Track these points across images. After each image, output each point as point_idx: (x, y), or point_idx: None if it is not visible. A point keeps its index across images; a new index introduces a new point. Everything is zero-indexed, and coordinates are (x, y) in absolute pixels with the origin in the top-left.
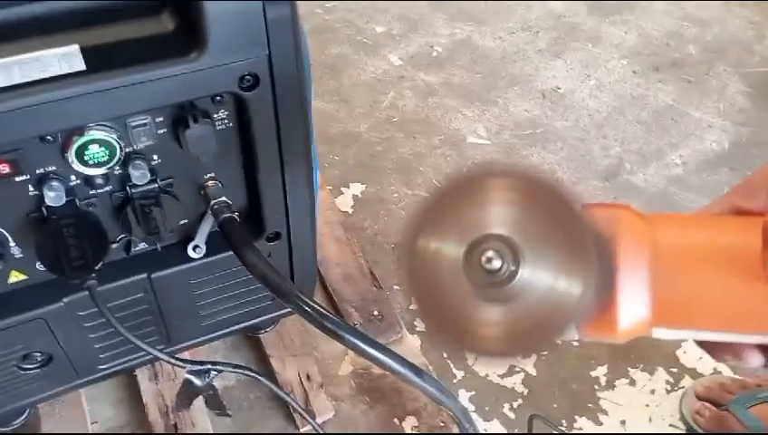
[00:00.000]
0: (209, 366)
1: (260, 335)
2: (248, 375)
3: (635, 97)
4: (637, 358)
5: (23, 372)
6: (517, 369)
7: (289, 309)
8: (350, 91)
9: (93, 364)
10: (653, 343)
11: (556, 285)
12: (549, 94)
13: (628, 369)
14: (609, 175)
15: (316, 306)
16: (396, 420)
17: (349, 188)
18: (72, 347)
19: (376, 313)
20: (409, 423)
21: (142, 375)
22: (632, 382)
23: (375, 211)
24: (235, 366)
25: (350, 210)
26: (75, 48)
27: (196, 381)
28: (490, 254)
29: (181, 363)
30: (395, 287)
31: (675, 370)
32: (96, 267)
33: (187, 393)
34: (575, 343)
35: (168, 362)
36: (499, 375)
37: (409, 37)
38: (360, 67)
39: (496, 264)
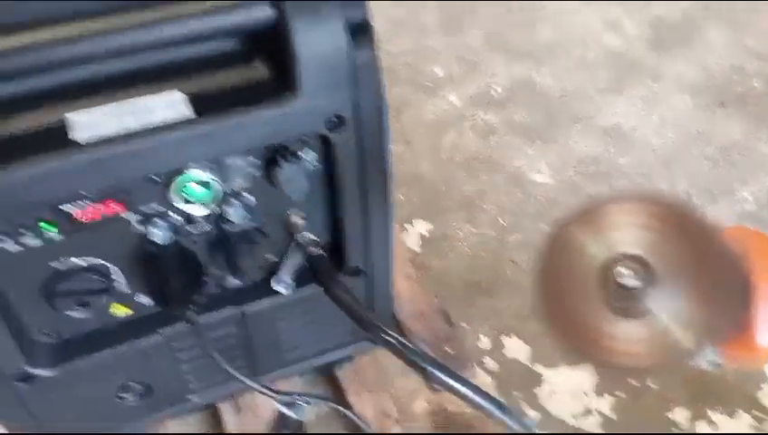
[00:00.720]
0: (299, 398)
1: (336, 372)
2: (335, 408)
3: (700, 132)
4: (716, 400)
5: (120, 402)
6: (593, 410)
7: (365, 346)
8: (412, 132)
9: (184, 394)
10: (734, 385)
11: (688, 305)
12: (611, 131)
13: (708, 411)
14: None
15: (400, 339)
16: None
17: (413, 226)
18: (166, 377)
19: (448, 349)
20: None
21: (225, 409)
22: (712, 424)
23: (440, 249)
24: (325, 399)
25: (418, 249)
26: (180, 95)
27: (290, 414)
28: (626, 271)
29: (273, 394)
30: (462, 325)
31: (757, 413)
32: (197, 301)
33: (279, 427)
34: (653, 386)
35: (263, 392)
36: (574, 416)
37: (468, 78)
38: (421, 108)
39: (631, 281)
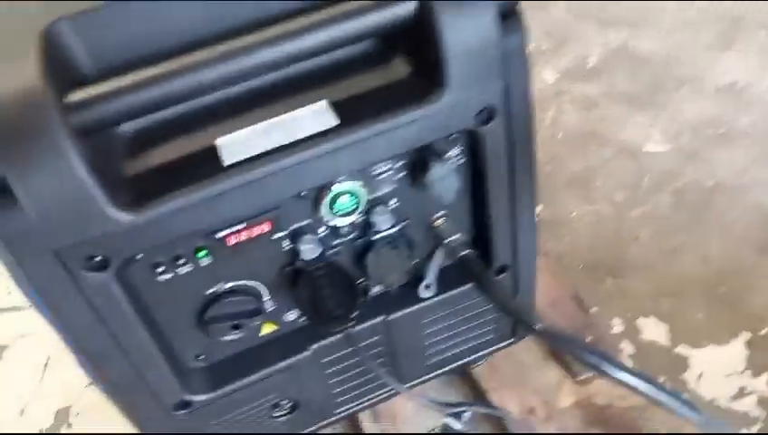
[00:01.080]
0: (464, 408)
1: (471, 372)
2: (487, 412)
3: None
4: None
5: (273, 420)
6: (749, 390)
7: (505, 343)
8: None
9: (331, 408)
10: None
11: None
12: (725, 90)
13: None
14: None
15: (565, 333)
16: None
17: None
18: (314, 393)
19: (589, 338)
20: None
21: (364, 416)
22: None
23: (557, 233)
24: (482, 405)
25: None
26: (325, 104)
27: (456, 425)
28: None
29: (439, 406)
30: (592, 310)
31: None
32: (353, 315)
33: None
34: None
35: (428, 405)
36: (728, 398)
37: (560, 51)
38: None
39: None
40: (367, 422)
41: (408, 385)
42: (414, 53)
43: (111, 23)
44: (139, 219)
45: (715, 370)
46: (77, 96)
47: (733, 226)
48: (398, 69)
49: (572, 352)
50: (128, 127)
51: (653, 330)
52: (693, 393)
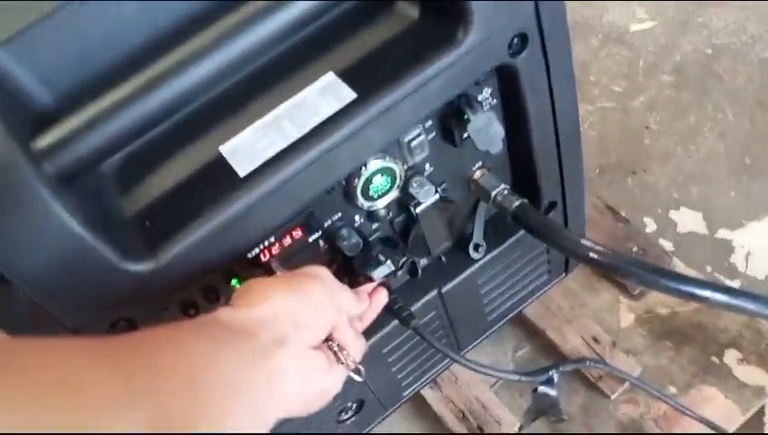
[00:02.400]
0: (552, 372)
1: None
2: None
3: None
4: None
5: (340, 425)
6: None
7: (558, 279)
8: None
9: (398, 393)
10: None
11: None
12: None
13: None
14: None
15: (620, 257)
16: (714, 358)
17: None
18: (379, 385)
19: (635, 249)
20: (732, 356)
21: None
22: None
23: None
24: (576, 361)
25: None
26: (333, 77)
27: (550, 392)
28: None
29: (530, 378)
30: (621, 214)
31: None
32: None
33: (540, 407)
34: None
35: (517, 380)
36: None
37: None
38: None
39: None
40: (428, 393)
41: (470, 347)
42: None
43: (55, 38)
44: (157, 266)
45: (762, 247)
46: (45, 140)
47: (742, 91)
48: (405, 13)
49: (629, 274)
50: (112, 159)
51: (688, 220)
52: (745, 277)
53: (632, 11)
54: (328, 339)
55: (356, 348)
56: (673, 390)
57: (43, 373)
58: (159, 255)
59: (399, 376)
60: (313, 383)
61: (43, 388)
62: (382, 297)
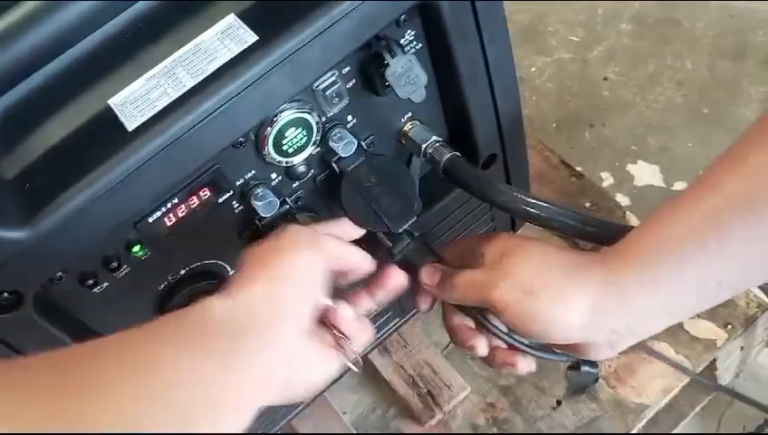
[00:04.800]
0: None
1: None
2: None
3: None
4: None
5: None
6: None
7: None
8: None
9: None
10: None
11: None
12: None
13: None
14: None
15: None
16: None
17: None
18: None
19: (588, 204)
20: None
21: (371, 353)
22: None
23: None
24: None
25: None
26: (233, 18)
27: (591, 369)
28: None
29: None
30: (578, 169)
31: None
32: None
33: (581, 383)
34: None
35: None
36: None
37: None
38: None
39: None
40: (377, 359)
41: (413, 312)
42: None
43: None
44: (39, 232)
45: None
46: None
47: (701, 38)
48: None
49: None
50: None
51: (645, 173)
52: None
53: None
54: (331, 324)
55: (361, 338)
56: None
57: None
58: (39, 220)
59: None
60: (304, 374)
61: None
62: (396, 275)
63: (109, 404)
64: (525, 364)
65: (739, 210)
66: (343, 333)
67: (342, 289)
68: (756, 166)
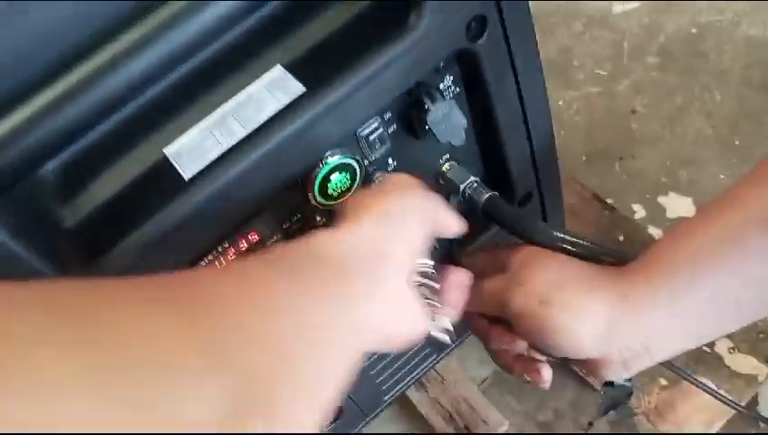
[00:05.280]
0: None
1: None
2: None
3: None
4: None
5: None
6: None
7: None
8: None
9: (378, 399)
10: None
11: None
12: None
13: None
14: None
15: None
16: (705, 348)
17: None
18: (357, 391)
19: (621, 237)
20: (724, 345)
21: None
22: None
23: None
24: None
25: None
26: (280, 70)
27: (626, 383)
28: None
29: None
30: (609, 202)
31: None
32: None
33: (616, 398)
34: None
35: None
36: None
37: None
38: None
39: None
40: (414, 395)
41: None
42: None
43: None
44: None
45: None
46: None
47: (729, 70)
48: (354, 0)
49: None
50: (51, 165)
51: (677, 205)
52: None
53: None
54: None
55: (453, 309)
56: (664, 382)
57: (101, 329)
58: (98, 266)
59: (378, 380)
60: (402, 324)
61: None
62: (463, 276)
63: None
64: (548, 374)
65: (756, 227)
66: (436, 299)
67: None
68: None
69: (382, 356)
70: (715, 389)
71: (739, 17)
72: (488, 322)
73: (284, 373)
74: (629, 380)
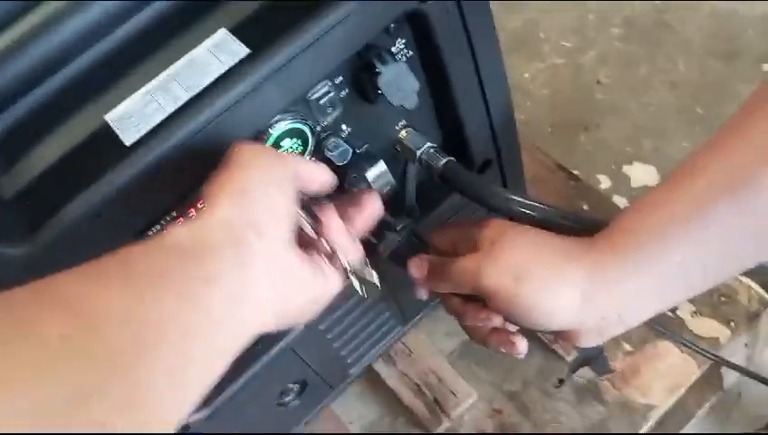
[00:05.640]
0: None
1: None
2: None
3: None
4: None
5: (283, 408)
6: None
7: None
8: None
9: (344, 372)
10: None
11: None
12: None
13: None
14: None
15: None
16: (668, 312)
17: None
18: (322, 364)
19: (586, 206)
20: (686, 309)
21: (376, 363)
22: None
23: (514, 101)
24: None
25: None
26: (224, 33)
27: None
28: None
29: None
30: (575, 172)
31: None
32: None
33: (585, 356)
34: None
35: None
36: None
37: None
38: None
39: None
40: (382, 370)
41: (416, 318)
42: None
43: None
44: (35, 249)
45: None
46: None
47: (693, 40)
48: None
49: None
50: None
51: (642, 174)
52: None
53: None
54: (314, 241)
55: (352, 250)
56: (628, 347)
57: None
58: (39, 237)
59: (343, 352)
60: (294, 293)
61: None
62: (374, 200)
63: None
64: (523, 345)
65: (720, 193)
66: (332, 247)
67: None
68: (736, 150)
69: (343, 327)
70: (693, 343)
71: None
72: (463, 299)
73: (143, 364)
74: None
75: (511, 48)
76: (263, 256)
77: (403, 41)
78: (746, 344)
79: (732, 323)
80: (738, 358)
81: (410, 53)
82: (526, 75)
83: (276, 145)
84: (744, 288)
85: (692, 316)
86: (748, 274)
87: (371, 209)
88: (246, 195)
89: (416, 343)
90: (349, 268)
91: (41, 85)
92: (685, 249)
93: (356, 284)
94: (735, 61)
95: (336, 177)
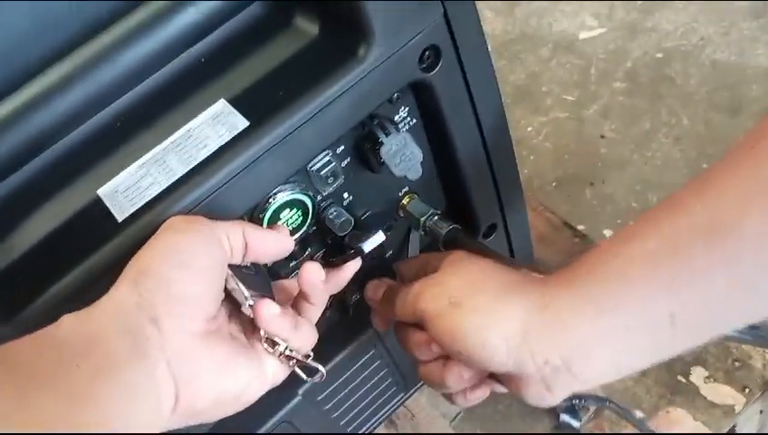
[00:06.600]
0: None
1: None
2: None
3: None
4: None
5: None
6: None
7: None
8: None
9: None
10: None
11: None
12: None
13: None
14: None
15: None
16: (681, 378)
17: None
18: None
19: None
20: (699, 375)
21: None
22: None
23: (517, 156)
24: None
25: None
26: (223, 104)
27: (574, 423)
28: None
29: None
30: (579, 228)
31: None
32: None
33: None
34: None
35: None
36: None
37: None
38: None
39: None
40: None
41: (419, 385)
42: (317, 5)
43: None
44: (15, 332)
45: None
46: None
47: (695, 94)
48: (303, 31)
49: None
50: None
51: None
52: None
53: (581, 19)
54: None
55: (298, 337)
56: (640, 414)
57: None
58: (17, 318)
59: (342, 422)
60: (204, 388)
61: None
62: (354, 266)
63: None
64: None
65: (699, 234)
66: (270, 336)
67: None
68: (719, 190)
69: (341, 397)
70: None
71: (704, 41)
72: (411, 327)
73: None
74: (576, 417)
75: (513, 102)
76: (161, 346)
77: (406, 109)
78: (761, 411)
79: (747, 390)
80: (751, 426)
81: (413, 120)
82: (529, 129)
83: (276, 216)
84: (758, 352)
85: (705, 382)
86: (738, 339)
87: (348, 273)
88: (149, 278)
89: (417, 406)
90: (291, 358)
91: (35, 158)
92: (649, 293)
93: (299, 372)
94: (739, 115)
95: (292, 242)
